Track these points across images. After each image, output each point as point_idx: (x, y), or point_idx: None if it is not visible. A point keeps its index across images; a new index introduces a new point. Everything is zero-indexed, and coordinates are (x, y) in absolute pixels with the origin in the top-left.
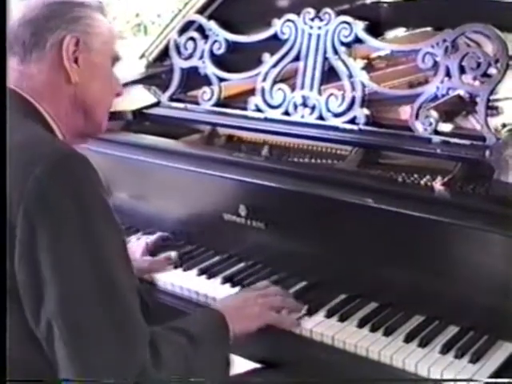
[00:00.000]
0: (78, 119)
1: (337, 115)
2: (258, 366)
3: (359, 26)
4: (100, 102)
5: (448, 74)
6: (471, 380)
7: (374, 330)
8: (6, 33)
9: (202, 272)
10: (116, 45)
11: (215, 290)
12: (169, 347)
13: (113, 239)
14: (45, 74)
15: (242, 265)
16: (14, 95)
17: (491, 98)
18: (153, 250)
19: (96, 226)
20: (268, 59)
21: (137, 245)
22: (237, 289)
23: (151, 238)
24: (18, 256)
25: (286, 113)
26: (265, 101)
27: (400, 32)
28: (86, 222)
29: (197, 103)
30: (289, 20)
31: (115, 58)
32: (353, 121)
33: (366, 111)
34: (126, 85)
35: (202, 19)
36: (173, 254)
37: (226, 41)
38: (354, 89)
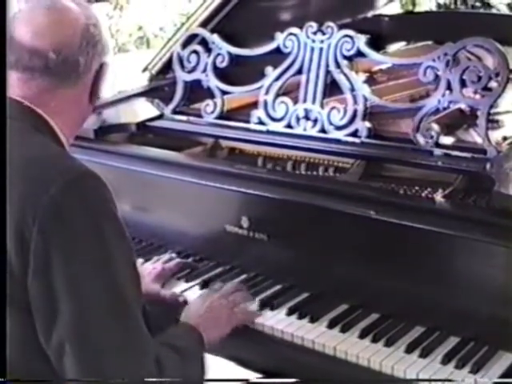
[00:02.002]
0: (80, 125)
1: (339, 128)
2: (259, 375)
3: (361, 40)
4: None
5: (449, 87)
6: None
7: (375, 340)
8: (6, 35)
9: (204, 283)
10: None
11: None
12: (169, 363)
13: (125, 257)
14: (76, 97)
15: (244, 276)
16: (25, 109)
17: (492, 111)
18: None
19: (109, 244)
20: (271, 72)
21: (152, 268)
22: None
23: (169, 265)
24: (32, 271)
25: (289, 126)
26: (267, 114)
27: (401, 46)
28: (100, 240)
29: (200, 116)
30: (291, 34)
31: None
32: (355, 134)
33: (367, 124)
34: (129, 98)
35: (205, 32)
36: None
37: (229, 54)
38: (355, 102)
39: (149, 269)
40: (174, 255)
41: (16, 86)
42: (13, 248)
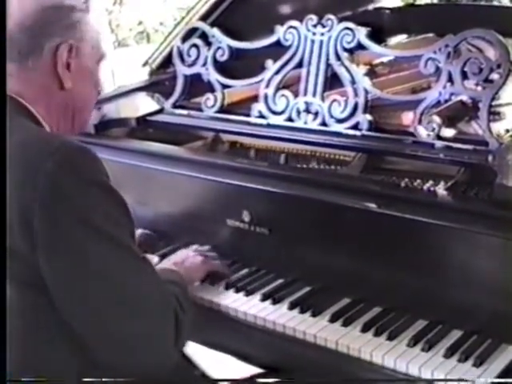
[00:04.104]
0: (67, 123)
1: (340, 121)
2: (261, 370)
3: (362, 33)
4: (88, 104)
5: (450, 79)
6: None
7: (377, 334)
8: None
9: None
10: (102, 44)
11: (219, 296)
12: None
13: (127, 225)
14: (39, 80)
15: (245, 270)
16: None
17: (493, 103)
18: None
19: (112, 208)
20: (271, 66)
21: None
22: (241, 294)
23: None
24: (42, 247)
25: (289, 119)
26: (268, 107)
27: (403, 38)
28: (104, 205)
29: (200, 110)
30: (292, 27)
31: (101, 58)
32: (356, 126)
33: (368, 117)
34: (129, 92)
35: (205, 26)
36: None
37: (229, 47)
38: (356, 95)
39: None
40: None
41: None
42: (19, 233)
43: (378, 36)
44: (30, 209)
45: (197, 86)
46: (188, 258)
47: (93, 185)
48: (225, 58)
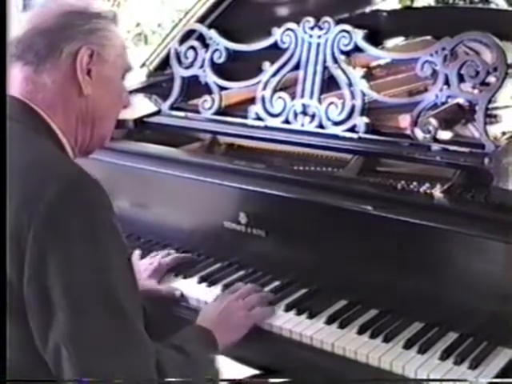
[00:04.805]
0: (86, 133)
1: (337, 123)
2: (257, 372)
3: (359, 35)
4: (109, 115)
5: (447, 82)
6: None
7: (373, 336)
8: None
9: (202, 279)
10: (127, 56)
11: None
12: (170, 364)
13: (121, 263)
14: (57, 85)
15: (242, 272)
16: (25, 109)
17: (490, 106)
18: (165, 271)
19: (105, 251)
20: (268, 68)
21: (149, 263)
22: None
23: (166, 260)
24: (27, 279)
25: (286, 121)
26: (265, 109)
27: (400, 41)
28: (96, 247)
29: (197, 112)
30: (289, 29)
31: (126, 70)
32: (352, 129)
33: (365, 119)
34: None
35: (202, 28)
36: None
37: (227, 49)
38: (353, 97)
39: (145, 264)
40: (172, 251)
41: (23, 84)
42: (9, 255)
43: (375, 38)
44: (23, 236)
45: (194, 87)
46: (230, 317)
47: (90, 221)
48: (222, 60)
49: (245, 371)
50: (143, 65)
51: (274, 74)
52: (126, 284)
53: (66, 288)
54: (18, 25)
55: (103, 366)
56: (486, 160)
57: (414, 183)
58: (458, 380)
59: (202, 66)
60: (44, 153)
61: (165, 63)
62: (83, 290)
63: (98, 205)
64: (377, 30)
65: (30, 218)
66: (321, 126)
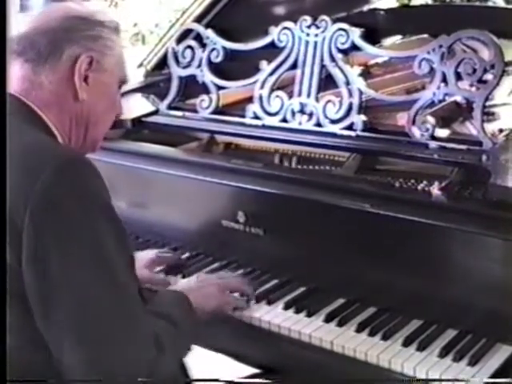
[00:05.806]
0: (79, 134)
1: (334, 122)
2: (257, 371)
3: (356, 33)
4: (102, 121)
5: (444, 80)
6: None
7: (372, 334)
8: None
9: None
10: (125, 68)
11: None
12: (167, 338)
13: (119, 243)
14: (54, 86)
15: (240, 271)
16: (19, 104)
17: (487, 103)
18: (161, 266)
19: (100, 226)
20: (265, 67)
21: (145, 253)
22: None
23: (165, 255)
24: (26, 260)
25: (284, 120)
26: (263, 108)
27: (397, 39)
28: (91, 222)
29: (195, 111)
30: (286, 28)
31: (122, 81)
32: (350, 127)
33: (363, 117)
34: (124, 94)
35: (199, 28)
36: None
37: (224, 49)
38: (351, 95)
39: (141, 255)
40: (170, 251)
41: (20, 81)
42: (8, 238)
43: (373, 37)
44: (19, 218)
45: (192, 87)
46: (205, 286)
47: (86, 200)
48: (219, 59)
49: (244, 370)
50: (141, 65)
51: (272, 73)
52: (122, 258)
53: (63, 265)
54: (17, 25)
55: (106, 350)
56: (484, 157)
57: (412, 181)
58: (458, 380)
59: (199, 66)
60: (36, 140)
61: (162, 63)
62: (80, 267)
63: (92, 183)
64: (374, 28)
65: (26, 199)
66: (318, 124)
